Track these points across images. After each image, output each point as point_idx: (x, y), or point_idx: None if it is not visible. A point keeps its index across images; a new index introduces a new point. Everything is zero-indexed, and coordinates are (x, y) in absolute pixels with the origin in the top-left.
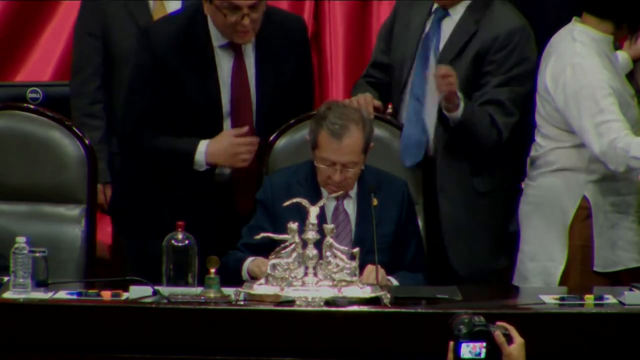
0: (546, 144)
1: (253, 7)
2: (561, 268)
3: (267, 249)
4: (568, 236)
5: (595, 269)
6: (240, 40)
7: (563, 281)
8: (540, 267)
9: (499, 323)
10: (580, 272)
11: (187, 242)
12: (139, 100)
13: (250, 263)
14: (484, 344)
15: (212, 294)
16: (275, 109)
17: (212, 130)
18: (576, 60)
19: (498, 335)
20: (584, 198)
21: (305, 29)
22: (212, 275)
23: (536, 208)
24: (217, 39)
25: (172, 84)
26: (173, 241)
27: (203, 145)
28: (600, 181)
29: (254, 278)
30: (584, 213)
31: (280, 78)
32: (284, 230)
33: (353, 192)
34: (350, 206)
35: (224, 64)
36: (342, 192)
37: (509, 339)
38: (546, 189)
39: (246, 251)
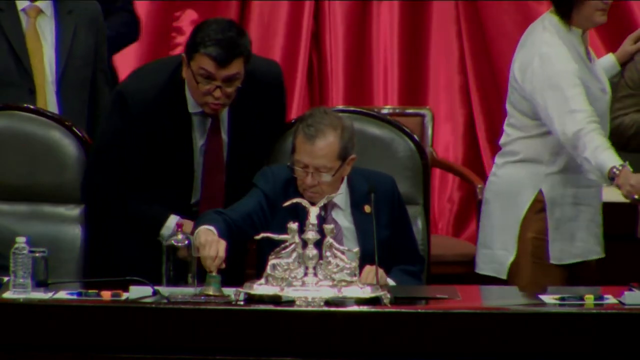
0: (512, 133)
1: (228, 81)
2: (511, 258)
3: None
4: (520, 228)
5: (551, 261)
6: (209, 112)
7: (513, 272)
8: (491, 254)
9: None
10: (531, 265)
11: (187, 242)
12: (110, 159)
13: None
14: None
15: (212, 293)
16: (247, 169)
17: (182, 186)
18: (544, 50)
19: None
20: (540, 191)
21: (281, 75)
22: (213, 275)
23: (496, 197)
24: (193, 106)
25: (145, 145)
26: (173, 241)
27: (172, 222)
28: (561, 173)
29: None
30: (538, 206)
31: (254, 139)
32: (278, 223)
33: (343, 203)
34: (340, 217)
35: (199, 131)
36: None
37: None
38: (507, 179)
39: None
